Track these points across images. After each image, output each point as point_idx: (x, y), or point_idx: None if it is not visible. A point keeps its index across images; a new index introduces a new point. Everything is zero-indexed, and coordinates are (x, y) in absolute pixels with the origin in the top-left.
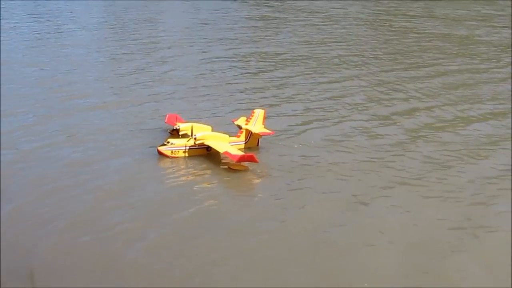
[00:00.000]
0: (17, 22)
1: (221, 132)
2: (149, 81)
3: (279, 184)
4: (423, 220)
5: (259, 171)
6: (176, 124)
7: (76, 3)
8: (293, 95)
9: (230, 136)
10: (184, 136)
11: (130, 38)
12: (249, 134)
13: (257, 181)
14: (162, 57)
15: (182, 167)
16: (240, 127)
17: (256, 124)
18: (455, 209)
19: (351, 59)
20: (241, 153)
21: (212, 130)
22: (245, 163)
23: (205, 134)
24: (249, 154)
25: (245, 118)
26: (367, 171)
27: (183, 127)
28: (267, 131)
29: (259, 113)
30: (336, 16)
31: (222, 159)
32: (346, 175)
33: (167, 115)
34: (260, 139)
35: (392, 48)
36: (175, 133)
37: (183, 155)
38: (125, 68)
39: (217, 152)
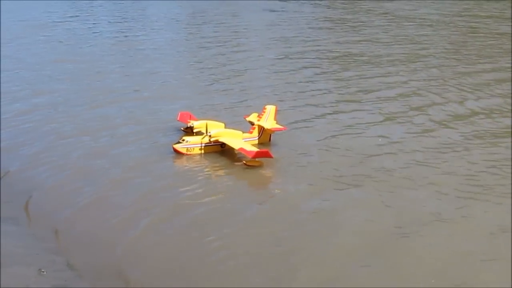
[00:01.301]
0: (94, 23)
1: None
2: (203, 79)
3: (295, 178)
4: None
5: (274, 166)
6: (189, 122)
7: (149, 3)
8: (338, 93)
9: (243, 132)
10: (198, 133)
11: (201, 39)
12: (262, 130)
13: (273, 176)
14: (222, 56)
15: (197, 163)
16: (252, 123)
17: (268, 120)
18: None
19: (412, 59)
20: (256, 149)
21: (225, 127)
22: (260, 159)
23: (219, 131)
24: (264, 149)
25: (256, 114)
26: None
27: (197, 124)
28: (279, 126)
29: (270, 109)
30: (407, 17)
31: (236, 154)
32: (365, 173)
33: (179, 113)
34: (272, 135)
35: (463, 50)
36: (189, 131)
37: (198, 152)
38: (188, 64)
39: (231, 149)
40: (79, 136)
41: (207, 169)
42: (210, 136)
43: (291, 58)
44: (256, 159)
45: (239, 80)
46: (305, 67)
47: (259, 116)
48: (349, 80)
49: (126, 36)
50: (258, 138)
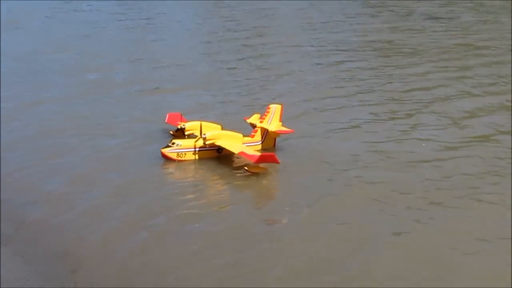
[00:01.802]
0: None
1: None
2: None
3: (304, 187)
4: None
5: (278, 173)
6: (179, 124)
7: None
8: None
9: (244, 136)
10: (191, 136)
11: (218, 24)
12: (265, 133)
13: (279, 184)
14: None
15: (190, 170)
16: (254, 126)
17: (273, 121)
18: None
19: (464, 51)
20: (259, 153)
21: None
22: (264, 165)
23: (215, 133)
24: (269, 153)
25: (258, 116)
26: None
27: (189, 126)
28: (285, 129)
29: (275, 108)
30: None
31: (236, 158)
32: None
33: (168, 115)
34: (277, 138)
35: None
36: (179, 134)
37: (190, 157)
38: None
39: (230, 154)
40: (59, 134)
41: (198, 176)
42: (205, 138)
43: (311, 47)
44: (260, 165)
45: (251, 71)
46: (323, 57)
47: (262, 117)
48: (382, 72)
49: (133, 26)
50: (262, 143)
